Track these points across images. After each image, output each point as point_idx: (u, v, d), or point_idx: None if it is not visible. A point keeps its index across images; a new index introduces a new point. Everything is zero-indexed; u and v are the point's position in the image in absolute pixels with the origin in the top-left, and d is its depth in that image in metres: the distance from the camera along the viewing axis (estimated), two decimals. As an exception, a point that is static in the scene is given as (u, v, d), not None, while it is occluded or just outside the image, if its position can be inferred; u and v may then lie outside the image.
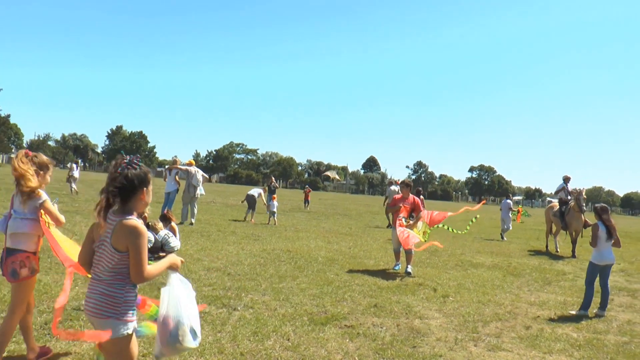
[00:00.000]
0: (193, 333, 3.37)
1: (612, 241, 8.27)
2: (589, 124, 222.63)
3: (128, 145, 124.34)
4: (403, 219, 10.67)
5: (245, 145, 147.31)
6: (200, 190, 17.16)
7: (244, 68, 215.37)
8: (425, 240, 11.03)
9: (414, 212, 11.03)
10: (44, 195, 4.45)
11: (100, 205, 3.22)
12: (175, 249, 10.25)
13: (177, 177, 17.14)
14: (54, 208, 4.52)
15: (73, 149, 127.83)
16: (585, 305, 8.16)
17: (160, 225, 10.46)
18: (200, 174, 17.30)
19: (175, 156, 18.36)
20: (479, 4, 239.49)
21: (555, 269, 12.88)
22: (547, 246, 17.52)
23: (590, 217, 13.41)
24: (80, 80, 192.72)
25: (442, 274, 10.64)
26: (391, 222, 25.97)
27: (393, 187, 25.00)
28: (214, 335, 5.77)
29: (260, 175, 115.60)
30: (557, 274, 12.19)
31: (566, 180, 17.35)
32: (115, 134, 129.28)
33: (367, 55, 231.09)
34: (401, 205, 10.92)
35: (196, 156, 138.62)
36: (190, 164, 17.53)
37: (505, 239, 20.63)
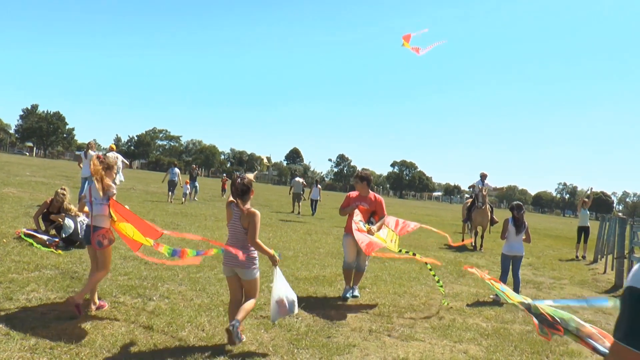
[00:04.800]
0: (296, 305, 5.57)
1: (523, 236, 8.91)
2: (505, 127, 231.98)
3: (45, 126, 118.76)
4: (361, 224, 7.81)
5: (169, 132, 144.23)
6: (119, 177, 16.61)
7: (170, 54, 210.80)
8: (401, 251, 8.08)
9: (373, 217, 8.24)
10: (114, 189, 6.22)
11: (235, 201, 5.50)
12: None
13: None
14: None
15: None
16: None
17: (80, 213, 10.08)
18: (120, 161, 16.74)
19: (94, 140, 17.67)
20: (404, 4, 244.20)
21: (469, 263, 13.33)
22: (462, 240, 18.11)
23: (504, 214, 13.99)
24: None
25: (360, 265, 10.78)
26: (298, 210, 26.97)
27: (297, 179, 27.50)
28: (127, 326, 5.62)
29: (182, 163, 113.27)
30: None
31: (483, 177, 17.97)
32: (30, 114, 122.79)
33: (292, 48, 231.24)
34: (356, 205, 8.10)
35: (117, 141, 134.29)
36: (111, 149, 16.93)
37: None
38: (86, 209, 6.37)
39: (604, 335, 3.76)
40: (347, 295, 7.91)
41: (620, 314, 2.04)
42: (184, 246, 7.33)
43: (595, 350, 3.64)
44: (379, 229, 8.11)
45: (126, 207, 6.38)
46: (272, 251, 5.53)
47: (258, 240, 5.38)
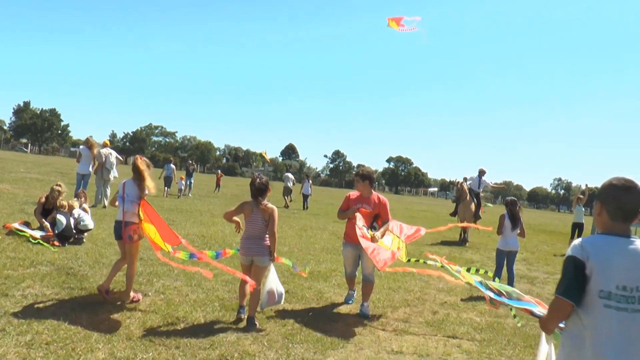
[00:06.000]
0: (283, 297, 6.35)
1: (518, 231, 8.94)
2: (501, 123, 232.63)
3: (39, 123, 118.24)
4: (365, 229, 6.97)
5: (164, 128, 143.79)
6: (113, 173, 16.55)
7: (166, 50, 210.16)
8: (410, 260, 7.45)
9: (376, 221, 7.31)
10: (147, 190, 6.57)
11: (251, 200, 6.19)
12: (89, 227, 9.90)
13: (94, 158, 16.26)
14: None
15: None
16: None
17: (76, 203, 10.10)
18: (114, 156, 16.64)
19: (91, 136, 17.51)
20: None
21: (464, 258, 13.40)
22: (459, 236, 18.19)
23: (500, 210, 14.03)
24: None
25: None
26: (287, 204, 27.21)
27: (288, 174, 28.72)
28: (122, 322, 5.64)
29: (178, 159, 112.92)
30: (466, 262, 12.66)
31: (481, 173, 18.04)
32: (23, 111, 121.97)
33: (287, 44, 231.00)
34: (358, 207, 7.19)
35: (112, 137, 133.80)
36: (105, 145, 16.84)
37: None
38: (116, 203, 6.70)
39: (539, 302, 4.62)
40: (350, 302, 7.44)
41: (561, 276, 2.87)
42: (199, 250, 7.33)
43: (532, 313, 4.49)
44: (383, 235, 7.16)
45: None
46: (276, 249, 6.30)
47: (276, 232, 6.19)
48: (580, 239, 2.88)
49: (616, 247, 2.79)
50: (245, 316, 6.06)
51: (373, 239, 6.82)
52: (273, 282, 6.23)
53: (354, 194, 7.46)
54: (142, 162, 6.61)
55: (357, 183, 7.37)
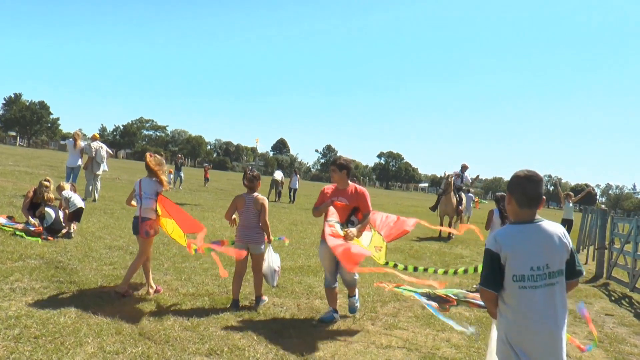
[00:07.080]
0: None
1: None
2: (492, 119, 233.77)
3: (28, 116, 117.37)
4: (337, 225, 6.12)
5: (155, 122, 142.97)
6: (103, 167, 16.47)
7: (158, 44, 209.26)
8: (388, 263, 6.77)
9: (355, 215, 6.43)
10: (163, 185, 6.79)
11: (244, 193, 6.72)
12: (78, 206, 9.81)
13: (82, 151, 16.18)
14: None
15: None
16: None
17: (67, 186, 10.07)
18: (104, 150, 16.54)
19: (80, 129, 17.39)
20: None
21: (453, 253, 13.47)
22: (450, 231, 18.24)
23: (491, 205, 14.01)
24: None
25: (345, 255, 10.80)
26: (268, 196, 27.68)
27: (278, 171, 29.82)
28: (112, 316, 5.61)
29: (169, 153, 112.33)
30: (456, 257, 12.73)
31: (463, 168, 18.16)
32: (13, 103, 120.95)
33: (278, 38, 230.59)
34: (332, 201, 6.38)
35: (102, 130, 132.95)
36: (94, 139, 16.74)
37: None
38: (133, 202, 6.93)
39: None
40: (327, 318, 6.32)
41: (482, 267, 3.24)
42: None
43: (479, 306, 5.23)
44: (361, 232, 6.36)
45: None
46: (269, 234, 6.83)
47: (267, 221, 6.68)
48: (494, 232, 3.30)
49: (524, 233, 3.16)
50: (253, 298, 6.69)
51: (346, 237, 5.99)
52: (276, 260, 6.85)
53: (329, 187, 6.62)
54: (152, 159, 6.81)
55: (333, 173, 6.47)
